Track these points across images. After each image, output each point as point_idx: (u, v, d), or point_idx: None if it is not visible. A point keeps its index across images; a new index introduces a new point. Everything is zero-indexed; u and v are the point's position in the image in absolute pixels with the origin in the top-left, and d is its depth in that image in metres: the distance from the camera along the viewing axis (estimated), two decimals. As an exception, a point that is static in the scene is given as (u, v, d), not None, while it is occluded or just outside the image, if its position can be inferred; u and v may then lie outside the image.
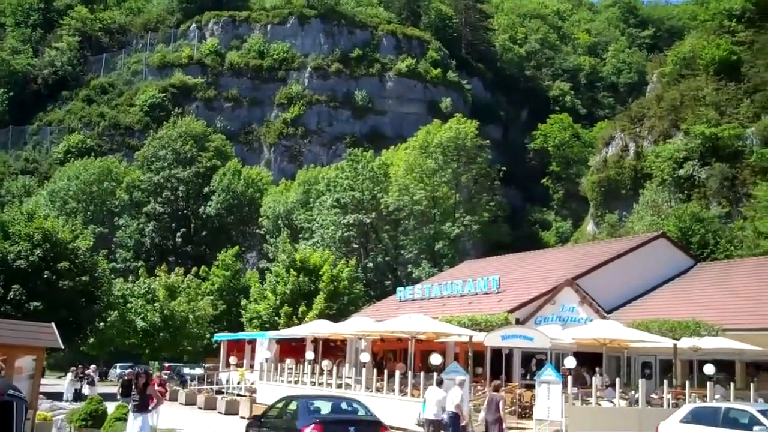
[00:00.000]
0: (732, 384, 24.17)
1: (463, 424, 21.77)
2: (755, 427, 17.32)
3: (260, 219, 76.75)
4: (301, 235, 69.32)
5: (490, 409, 20.64)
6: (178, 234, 79.82)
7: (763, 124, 55.58)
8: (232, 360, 41.70)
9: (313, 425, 16.75)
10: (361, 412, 18.58)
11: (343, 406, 19.10)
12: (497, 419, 20.57)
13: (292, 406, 18.93)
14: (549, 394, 21.90)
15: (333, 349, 39.45)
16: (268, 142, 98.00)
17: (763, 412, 17.96)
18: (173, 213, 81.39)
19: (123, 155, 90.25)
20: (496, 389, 21.48)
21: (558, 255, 44.25)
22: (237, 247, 70.72)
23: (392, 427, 24.08)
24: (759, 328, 27.52)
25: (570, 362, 22.64)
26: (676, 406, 21.86)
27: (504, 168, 75.05)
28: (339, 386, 28.83)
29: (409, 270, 64.44)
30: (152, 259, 74.01)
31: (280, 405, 20.05)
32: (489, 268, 43.92)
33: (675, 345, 25.25)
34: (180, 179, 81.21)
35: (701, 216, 49.64)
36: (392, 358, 39.23)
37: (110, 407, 21.64)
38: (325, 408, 18.80)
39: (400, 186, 65.99)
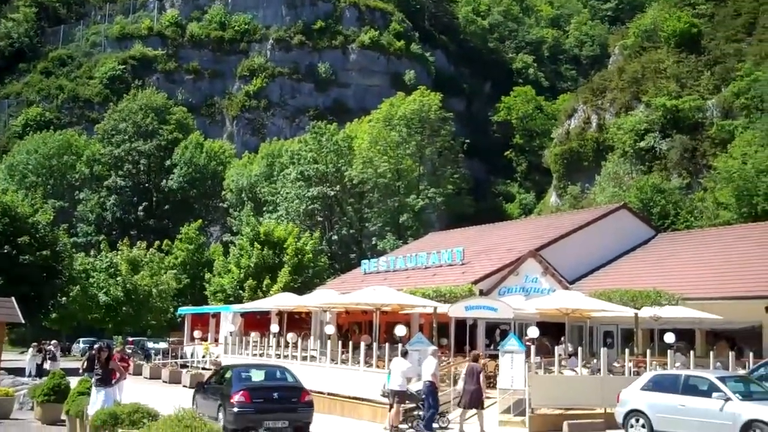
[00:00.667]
0: (692, 352, 24.56)
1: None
2: (714, 394, 17.67)
3: (223, 192, 76.28)
4: (265, 209, 69.03)
5: (470, 379, 20.83)
6: (140, 208, 79.04)
7: (723, 96, 56.18)
8: (197, 334, 41.55)
9: (241, 392, 19.33)
10: (290, 379, 21.18)
11: (276, 374, 21.68)
12: (477, 389, 20.80)
13: (228, 374, 21.18)
14: (512, 364, 22.10)
15: (298, 322, 39.41)
16: (230, 114, 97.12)
17: (722, 379, 18.31)
18: (135, 186, 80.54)
19: (83, 128, 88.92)
20: (476, 359, 21.64)
21: (521, 226, 44.56)
22: (200, 221, 70.25)
23: (357, 399, 24.24)
24: (718, 297, 27.99)
25: (533, 332, 22.86)
26: (638, 374, 22.15)
27: (468, 140, 75.21)
28: (304, 359, 28.83)
29: (373, 242, 64.52)
30: (114, 233, 73.25)
31: (220, 373, 22.38)
32: (453, 240, 44.07)
33: (636, 314, 25.59)
34: (141, 152, 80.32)
35: (662, 187, 50.20)
36: (357, 330, 39.30)
37: (73, 382, 21.46)
38: (258, 376, 21.26)
39: (364, 159, 65.83)
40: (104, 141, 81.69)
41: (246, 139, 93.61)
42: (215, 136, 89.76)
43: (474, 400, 20.79)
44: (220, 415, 19.71)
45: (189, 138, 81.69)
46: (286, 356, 29.91)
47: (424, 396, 21.18)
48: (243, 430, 18.73)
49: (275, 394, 19.90)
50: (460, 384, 21.32)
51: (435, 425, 21.49)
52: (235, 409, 18.99)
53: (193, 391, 23.68)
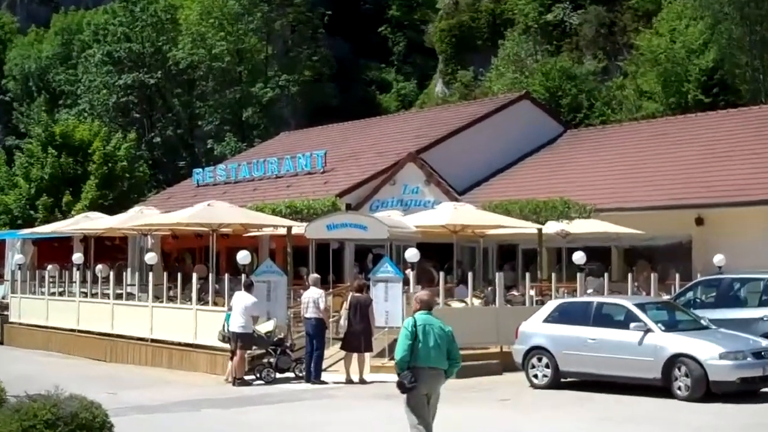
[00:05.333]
0: (606, 275, 25.57)
1: (281, 336, 22.13)
2: (632, 324, 18.50)
3: (4, 81, 73.60)
4: (61, 102, 67.08)
5: (357, 315, 21.04)
6: None
7: (649, -43, 57.50)
8: (-26, 268, 40.45)
9: None
10: None
11: None
12: (366, 328, 21.04)
13: None
14: (387, 295, 22.46)
15: (110, 250, 38.86)
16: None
17: (641, 306, 19.18)
18: None
19: None
20: (360, 290, 21.79)
21: (399, 123, 44.90)
22: (-26, 119, 67.74)
23: (190, 345, 24.25)
24: (639, 207, 29.14)
25: (412, 255, 23.21)
26: (541, 303, 22.94)
27: (329, 12, 74.47)
28: (119, 297, 28.45)
29: (208, 146, 63.74)
30: None
31: None
32: (312, 141, 44.09)
33: (540, 230, 26.33)
34: None
35: (573, 72, 51.34)
36: (189, 259, 39.12)
37: None
38: None
39: (194, 36, 64.41)
40: None
41: (33, 9, 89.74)
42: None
43: (364, 343, 21.13)
44: None
45: (-46, 7, 78.06)
46: (95, 294, 29.49)
47: (308, 335, 21.45)
48: None
49: None
50: (343, 321, 21.60)
51: (289, 374, 21.82)
52: None
53: None
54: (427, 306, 11.91)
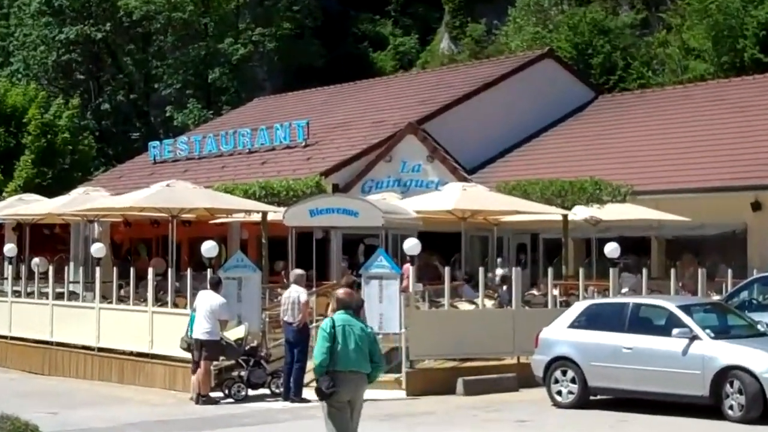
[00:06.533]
0: (645, 270, 25.55)
1: (254, 344, 22.13)
2: (675, 330, 18.48)
3: (-77, 36, 73.52)
4: (-9, 61, 66.99)
5: None
6: None
7: None
8: None
9: None
10: None
11: None
12: None
13: None
14: (382, 295, 22.44)
15: (49, 240, 38.90)
16: None
17: (686, 309, 19.15)
18: None
19: None
20: (350, 287, 21.70)
21: (397, 86, 44.92)
22: None
23: (145, 355, 24.26)
24: (684, 189, 29.14)
25: (412, 246, 23.21)
26: (567, 304, 22.93)
27: (313, -48, 74.40)
28: (60, 296, 28.40)
29: (167, 114, 63.66)
30: None
31: None
32: (292, 109, 44.10)
33: (565, 217, 26.34)
34: None
35: (606, 26, 51.24)
36: (144, 251, 39.12)
37: None
38: None
39: (150, -20, 64.33)
40: None
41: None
42: None
43: None
44: None
45: None
46: (30, 293, 29.45)
47: (288, 344, 21.50)
48: None
49: None
50: None
51: (264, 390, 21.81)
52: None
53: None
54: (346, 305, 13.04)
